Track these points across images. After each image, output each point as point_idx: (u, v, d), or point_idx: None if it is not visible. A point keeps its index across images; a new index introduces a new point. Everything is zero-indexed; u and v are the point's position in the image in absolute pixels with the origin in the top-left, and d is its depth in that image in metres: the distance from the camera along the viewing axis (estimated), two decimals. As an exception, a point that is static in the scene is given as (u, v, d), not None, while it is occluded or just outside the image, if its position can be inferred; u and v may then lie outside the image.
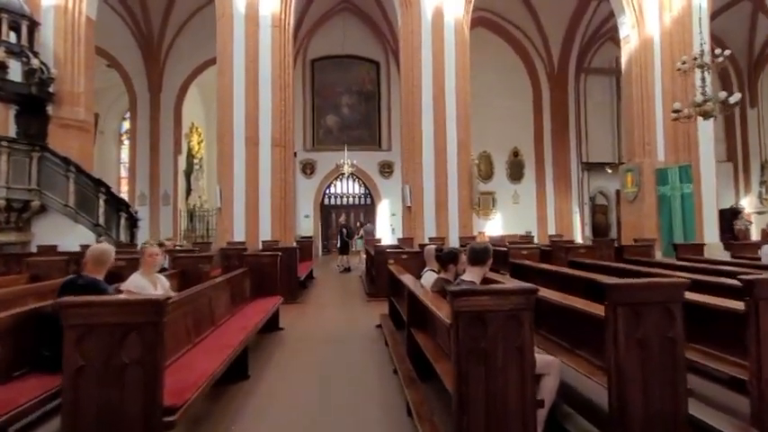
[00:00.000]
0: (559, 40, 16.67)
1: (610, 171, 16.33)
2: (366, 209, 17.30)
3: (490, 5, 15.13)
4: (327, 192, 17.14)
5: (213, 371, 2.34)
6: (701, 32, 7.66)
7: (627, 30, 11.43)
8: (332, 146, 16.64)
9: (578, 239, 16.02)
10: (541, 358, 2.20)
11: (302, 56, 16.45)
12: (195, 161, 17.80)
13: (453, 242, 9.40)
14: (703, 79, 6.22)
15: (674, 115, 6.61)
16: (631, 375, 2.04)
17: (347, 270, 11.01)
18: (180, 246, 9.51)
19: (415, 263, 5.30)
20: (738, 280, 2.18)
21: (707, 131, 10.83)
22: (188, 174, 16.80)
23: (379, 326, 4.99)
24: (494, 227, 17.06)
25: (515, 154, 17.65)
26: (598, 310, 2.32)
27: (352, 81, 17.32)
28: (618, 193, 17.48)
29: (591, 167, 17.58)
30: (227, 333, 3.24)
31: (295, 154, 12.74)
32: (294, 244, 8.62)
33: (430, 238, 9.47)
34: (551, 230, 17.08)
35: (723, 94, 6.29)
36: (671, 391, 2.05)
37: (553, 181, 17.30)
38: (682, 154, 10.85)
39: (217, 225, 11.28)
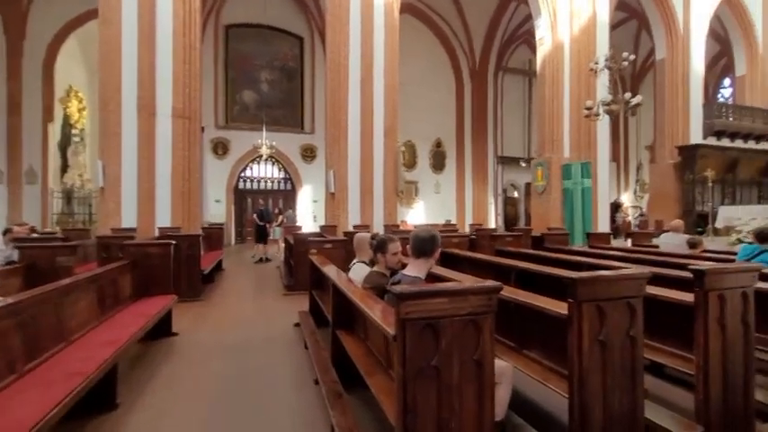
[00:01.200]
0: (481, 37, 17.27)
1: (524, 165, 17.48)
2: (286, 194, 16.19)
3: (419, -7, 14.98)
4: (242, 175, 15.61)
5: (40, 419, 1.56)
6: (618, 44, 8.26)
7: (542, 32, 12.08)
8: (248, 124, 15.14)
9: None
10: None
11: (214, 19, 14.57)
12: (75, 132, 14.78)
13: (378, 230, 9.07)
14: (616, 82, 6.68)
15: (586, 112, 7.03)
16: (593, 380, 1.79)
17: (264, 260, 10.05)
18: (45, 234, 7.65)
19: (341, 253, 4.77)
20: (690, 270, 2.05)
21: (604, 133, 12.03)
22: (63, 147, 13.88)
23: (297, 324, 4.38)
24: (416, 215, 17.27)
25: (438, 144, 18.01)
26: (553, 306, 2.05)
27: (273, 55, 15.90)
28: (527, 185, 19.00)
29: (505, 161, 18.71)
30: (85, 351, 2.37)
31: (203, 129, 11.17)
32: (199, 232, 7.46)
33: (354, 226, 9.01)
34: (469, 220, 17.92)
35: (627, 95, 6.83)
36: (630, 393, 1.85)
37: (472, 172, 18.07)
38: (583, 151, 11.91)
39: (99, 209, 9.37)
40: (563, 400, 1.91)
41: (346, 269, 3.17)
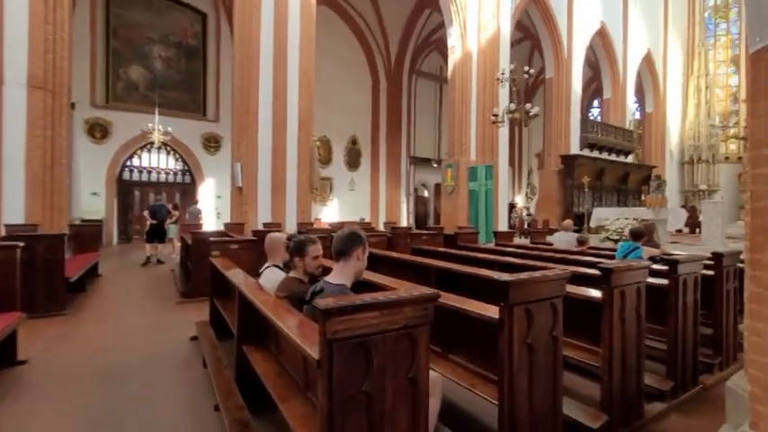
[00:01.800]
0: (397, 39, 17.60)
1: (435, 166, 18.29)
2: (184, 188, 14.47)
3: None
4: (129, 164, 13.50)
5: None
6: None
7: (454, 41, 12.74)
8: (137, 106, 13.15)
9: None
10: (423, 377, 1.73)
11: (91, -24, 12.29)
12: None
13: (291, 229, 8.55)
14: (518, 92, 7.27)
15: (493, 118, 7.53)
16: (521, 383, 1.76)
17: (152, 262, 8.74)
18: None
19: (250, 255, 4.27)
20: (597, 268, 2.17)
21: (504, 139, 13.17)
22: None
23: (194, 338, 3.79)
24: (330, 213, 16.93)
25: (354, 142, 17.91)
26: (485, 311, 1.98)
27: (168, 29, 14.04)
28: (437, 185, 20.02)
29: (417, 161, 19.40)
30: None
31: (73, 105, 9.31)
32: (64, 230, 6.12)
33: (264, 224, 8.35)
34: (383, 218, 18.19)
35: (528, 106, 7.50)
36: (551, 391, 1.87)
37: (386, 171, 18.35)
38: (487, 155, 12.88)
39: None
40: (489, 403, 1.86)
41: (256, 274, 2.77)
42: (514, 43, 17.11)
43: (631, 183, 17.66)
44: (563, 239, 5.55)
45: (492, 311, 1.85)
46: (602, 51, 17.07)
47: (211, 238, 4.89)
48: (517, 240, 10.60)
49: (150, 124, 12.09)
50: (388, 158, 18.30)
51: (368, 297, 1.29)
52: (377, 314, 1.27)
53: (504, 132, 12.89)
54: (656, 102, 19.65)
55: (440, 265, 3.38)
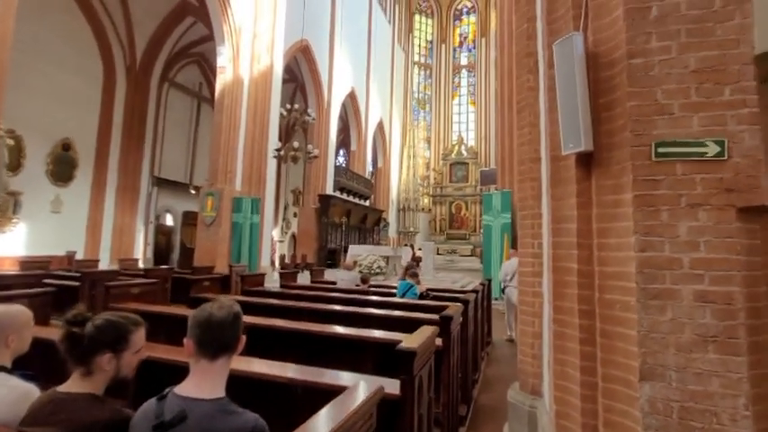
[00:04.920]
0: (147, 36, 14.77)
1: (194, 192, 15.92)
2: None
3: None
4: None
5: None
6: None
7: (224, 61, 11.88)
8: None
9: (140, 262, 14.12)
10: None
11: None
12: None
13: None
14: (304, 130, 7.39)
15: (275, 153, 7.35)
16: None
17: None
18: None
19: None
20: (440, 317, 2.34)
21: (272, 172, 13.09)
22: None
23: None
24: (10, 244, 11.57)
25: (66, 147, 13.25)
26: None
27: None
28: (186, 213, 17.43)
29: (162, 183, 16.36)
30: None
31: None
32: None
33: None
34: (106, 251, 14.08)
35: (310, 147, 7.77)
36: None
37: (118, 191, 14.47)
38: (254, 187, 12.39)
39: None
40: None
41: None
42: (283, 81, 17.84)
43: (369, 223, 21.27)
44: (346, 278, 5.88)
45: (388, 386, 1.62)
46: (351, 110, 20.25)
47: None
48: (277, 276, 10.45)
49: None
50: (123, 174, 14.56)
51: None
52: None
53: (272, 166, 12.83)
54: (384, 160, 24.90)
55: (268, 324, 2.75)
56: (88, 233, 13.86)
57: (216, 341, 1.11)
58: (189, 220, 17.26)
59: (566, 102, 1.89)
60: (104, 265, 12.72)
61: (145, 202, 15.51)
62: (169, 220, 17.42)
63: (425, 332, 1.77)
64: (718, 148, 1.63)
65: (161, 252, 16.93)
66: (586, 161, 1.92)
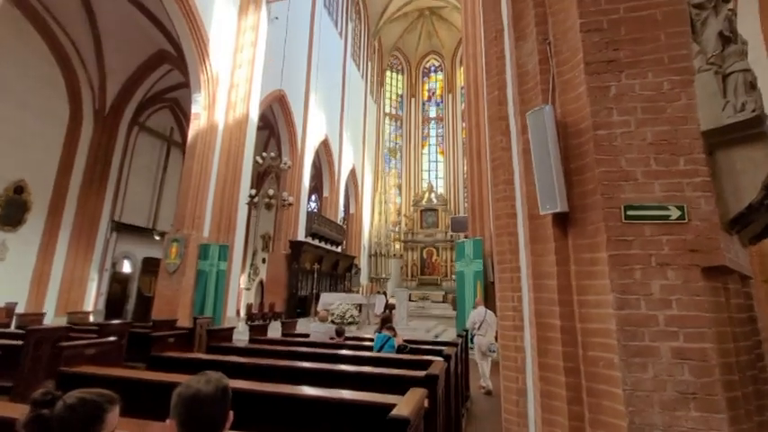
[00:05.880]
0: (120, 80, 14.75)
1: (158, 238, 15.21)
2: None
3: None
4: None
5: None
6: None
7: (199, 108, 11.96)
8: None
9: (91, 316, 13.02)
10: None
11: None
12: None
13: None
14: (277, 176, 7.40)
15: (249, 199, 7.25)
16: None
17: None
18: None
19: None
20: (426, 376, 2.28)
21: (242, 219, 12.82)
22: None
23: None
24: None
25: (19, 190, 12.49)
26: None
27: None
28: (147, 260, 16.48)
29: (122, 228, 15.56)
30: None
31: None
32: None
33: None
34: (52, 302, 12.94)
35: (285, 194, 7.75)
36: None
37: (71, 236, 13.60)
38: (223, 233, 12.03)
39: None
40: None
41: None
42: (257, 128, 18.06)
43: (340, 269, 20.91)
44: (320, 330, 5.63)
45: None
46: (324, 157, 20.60)
47: None
48: (243, 327, 9.88)
49: None
50: (80, 219, 13.79)
51: None
52: None
53: (243, 212, 12.60)
54: (356, 206, 25.11)
55: (240, 387, 2.54)
56: (33, 282, 12.74)
57: (203, 420, 1.02)
58: (149, 266, 16.31)
59: (541, 166, 2.03)
60: (50, 318, 11.63)
61: (102, 248, 14.61)
62: (126, 267, 16.37)
63: (415, 395, 1.71)
64: (679, 212, 1.79)
65: (115, 302, 15.72)
66: (563, 221, 2.03)
